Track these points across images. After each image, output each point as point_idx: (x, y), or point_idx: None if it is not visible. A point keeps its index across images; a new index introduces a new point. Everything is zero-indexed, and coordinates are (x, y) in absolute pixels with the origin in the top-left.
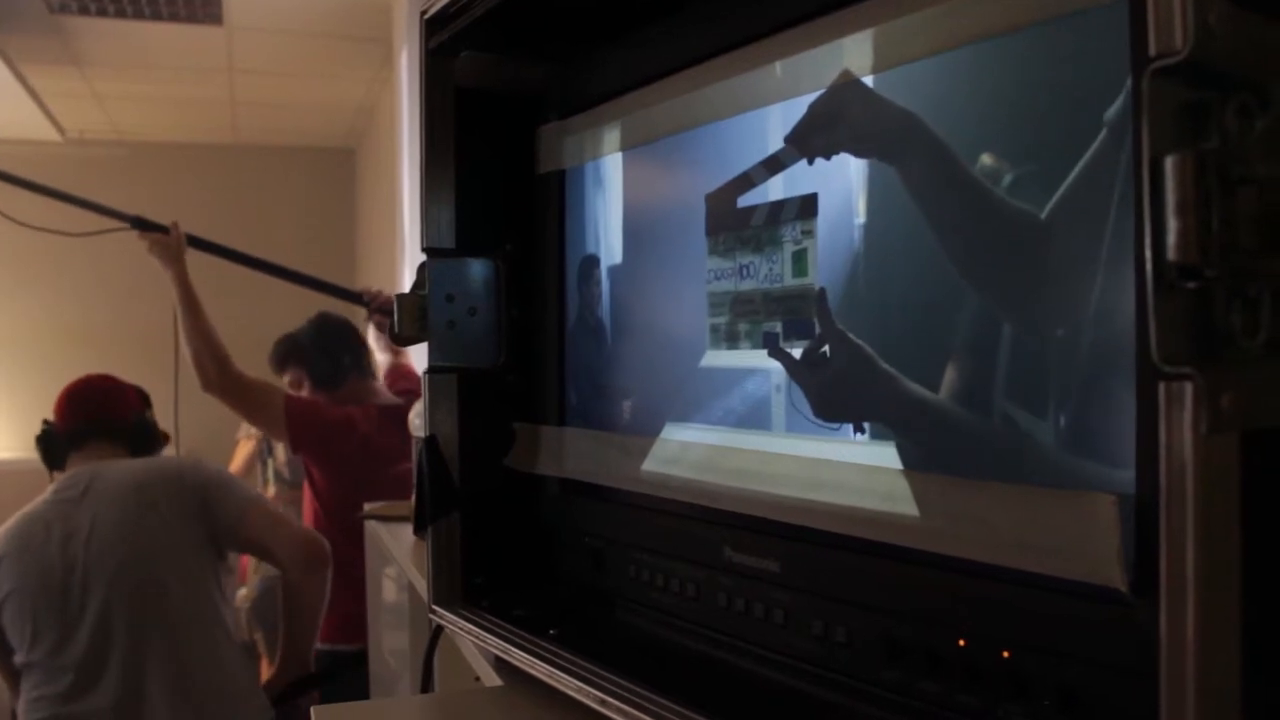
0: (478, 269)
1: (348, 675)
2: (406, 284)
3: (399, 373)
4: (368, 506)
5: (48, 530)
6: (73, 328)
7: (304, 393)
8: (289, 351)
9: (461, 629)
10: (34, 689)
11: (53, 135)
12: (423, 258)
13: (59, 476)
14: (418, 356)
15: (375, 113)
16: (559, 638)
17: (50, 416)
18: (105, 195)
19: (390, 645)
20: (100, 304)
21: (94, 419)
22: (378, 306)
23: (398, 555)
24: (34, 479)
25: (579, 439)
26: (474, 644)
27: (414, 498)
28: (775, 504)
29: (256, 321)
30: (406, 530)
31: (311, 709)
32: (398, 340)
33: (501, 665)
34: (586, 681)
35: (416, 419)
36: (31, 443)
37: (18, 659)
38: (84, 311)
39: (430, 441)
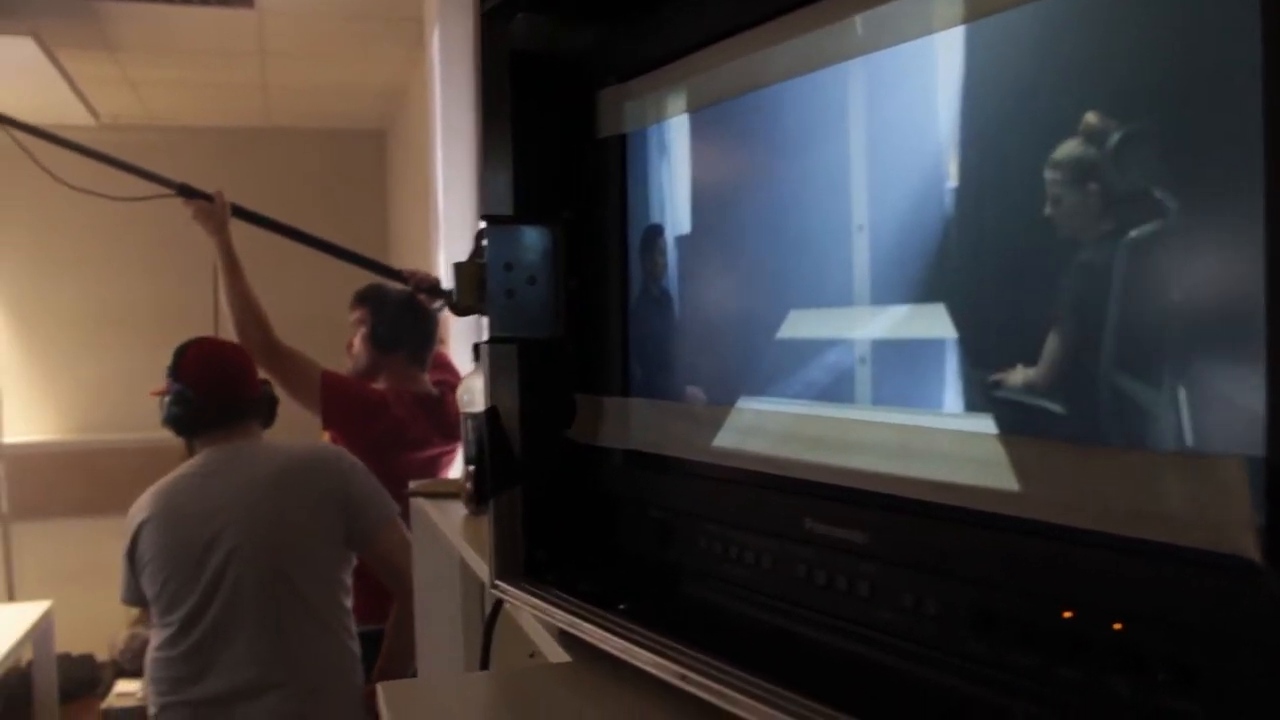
0: (536, 237)
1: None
2: (442, 265)
3: (436, 361)
4: (413, 484)
5: (190, 504)
6: (113, 308)
7: (358, 338)
8: (371, 296)
9: (526, 604)
10: (160, 649)
11: (87, 120)
12: (462, 236)
13: (198, 447)
14: (454, 347)
15: (406, 94)
16: (629, 612)
17: (157, 387)
18: (132, 182)
19: (436, 622)
20: (141, 285)
21: (237, 396)
22: (418, 285)
23: (448, 532)
24: (77, 459)
25: (645, 410)
26: (538, 619)
27: (473, 471)
28: (862, 474)
29: (290, 301)
30: (453, 507)
31: (379, 685)
32: (457, 310)
33: (568, 640)
34: (664, 656)
35: (465, 394)
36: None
37: (153, 618)
38: (125, 293)
39: (491, 413)
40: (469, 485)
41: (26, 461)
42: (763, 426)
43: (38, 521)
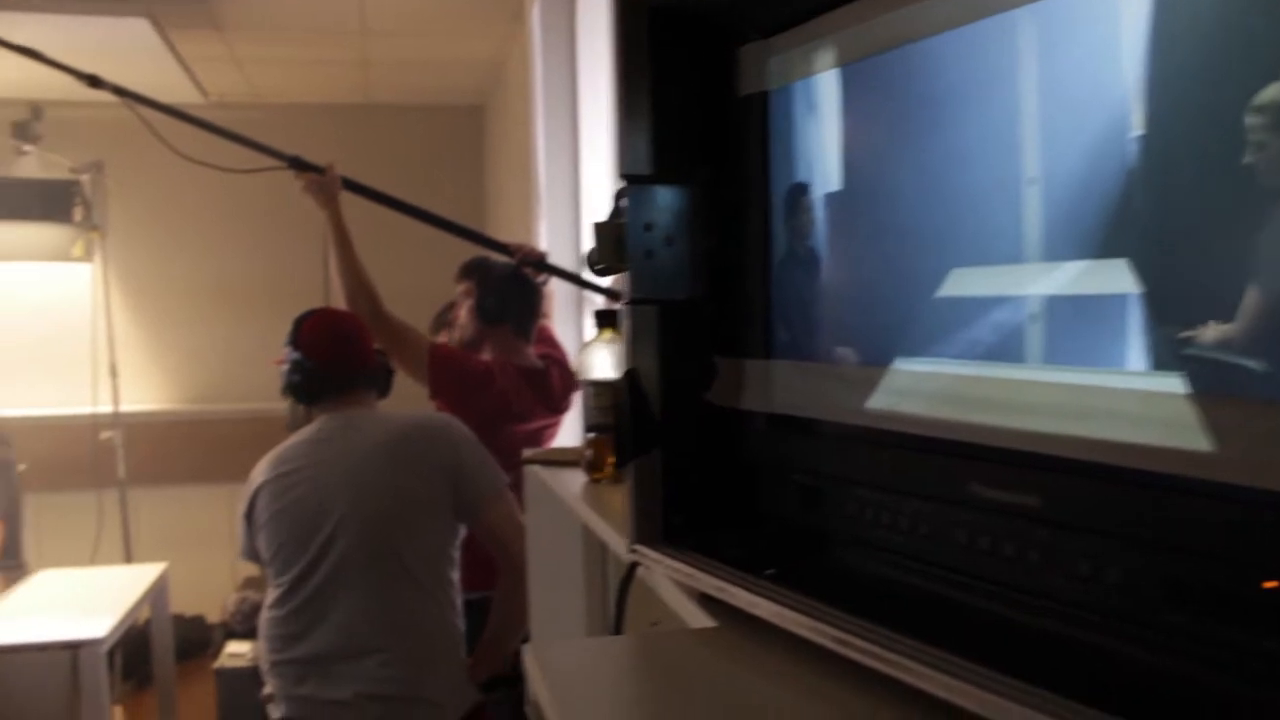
0: (675, 197)
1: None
2: (544, 238)
3: (540, 334)
4: (527, 452)
5: (303, 470)
6: (226, 282)
7: (464, 310)
8: (477, 268)
9: (668, 568)
10: (271, 608)
11: (197, 98)
12: (564, 209)
13: (315, 414)
14: (557, 321)
15: (504, 69)
16: (778, 577)
17: (282, 356)
18: (244, 156)
19: (554, 588)
20: (253, 259)
21: (355, 366)
22: (523, 258)
23: (568, 499)
24: (189, 429)
25: (791, 373)
26: (680, 583)
27: (606, 437)
28: (1035, 435)
29: (396, 274)
30: (571, 475)
31: (525, 645)
32: (596, 270)
33: (712, 605)
34: (820, 620)
35: (586, 356)
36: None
37: (268, 577)
38: (237, 267)
39: (631, 375)
40: (589, 453)
41: (142, 430)
42: (920, 388)
43: (153, 488)
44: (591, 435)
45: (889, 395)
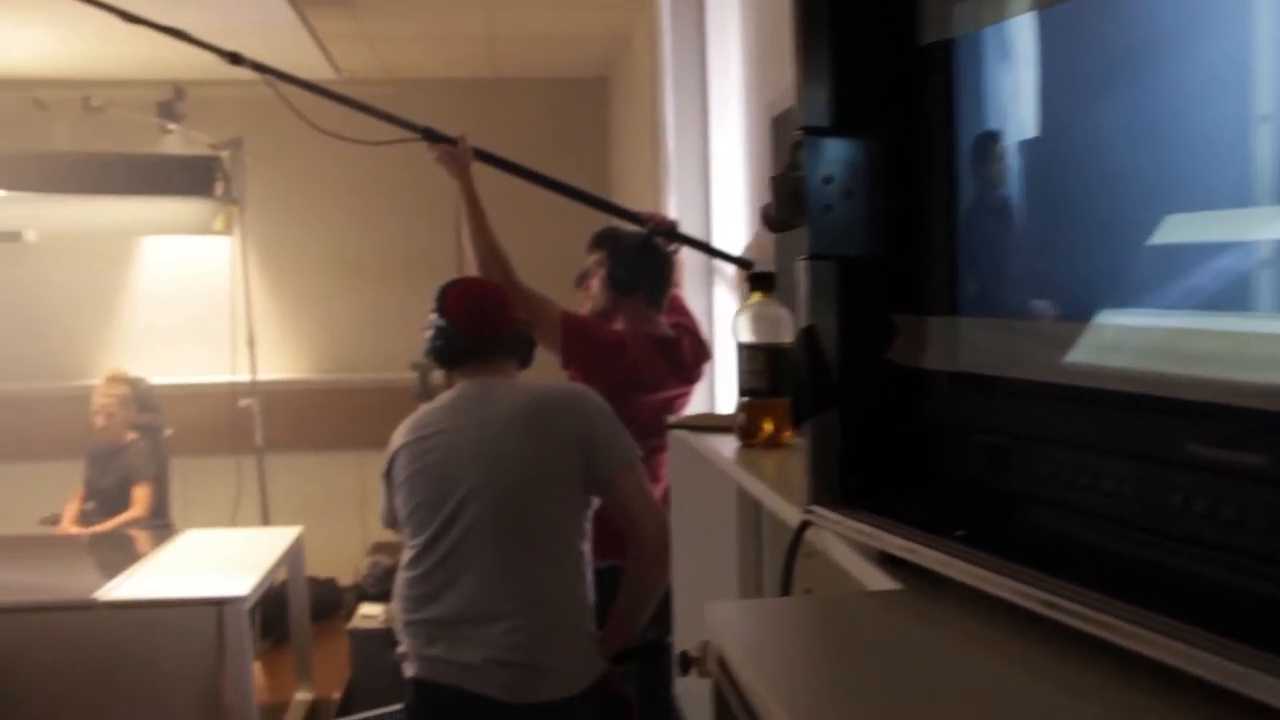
0: (855, 149)
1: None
2: (673, 209)
3: (671, 304)
4: (673, 418)
5: (439, 435)
6: (360, 254)
7: (596, 280)
8: (608, 238)
9: (848, 529)
10: (406, 569)
11: (330, 74)
12: (695, 179)
13: (455, 380)
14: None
15: (630, 41)
16: (969, 538)
17: (436, 322)
18: (378, 131)
19: (701, 554)
20: (386, 231)
21: (496, 334)
22: (655, 228)
23: (718, 461)
24: (322, 397)
25: (978, 329)
26: (861, 545)
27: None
28: (1267, 390)
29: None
30: (719, 442)
31: (708, 605)
32: (773, 226)
33: (893, 567)
34: (1025, 582)
35: (737, 318)
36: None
37: (404, 539)
38: (371, 239)
39: (809, 332)
40: (742, 418)
41: (278, 398)
42: (1130, 342)
43: (288, 454)
44: (745, 400)
45: (1092, 350)
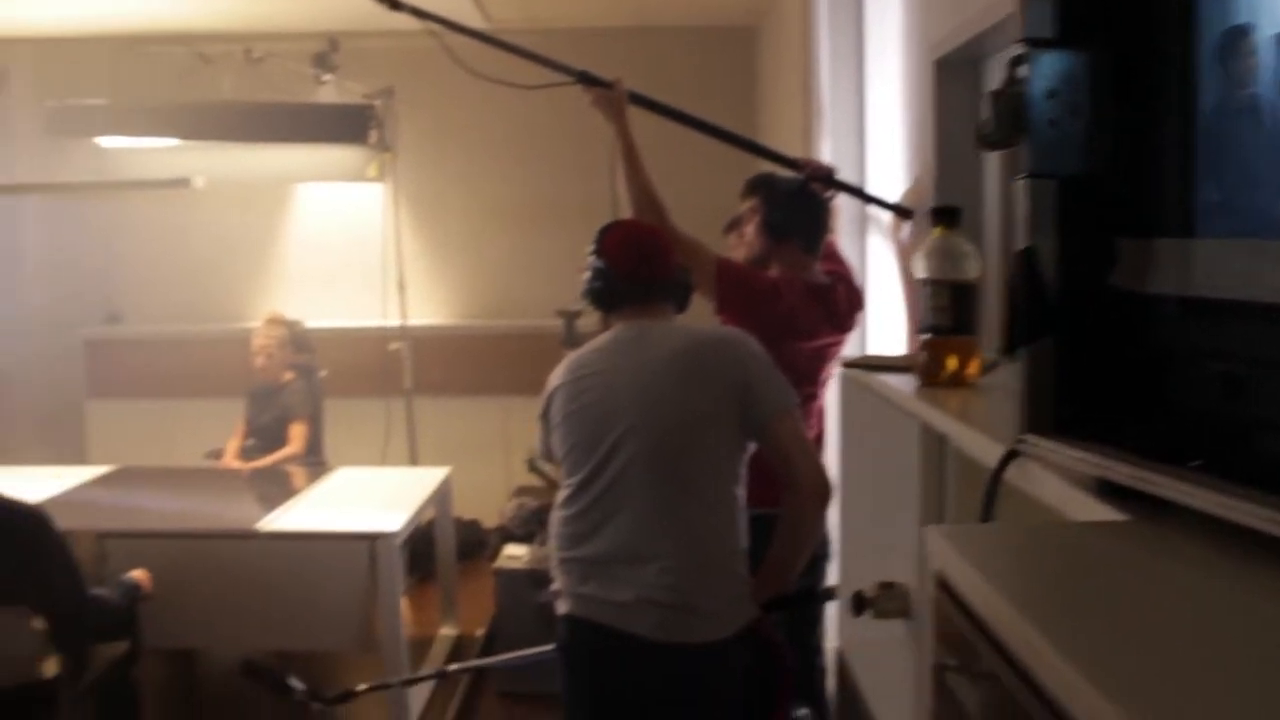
0: (1081, 61)
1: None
2: (827, 155)
3: (826, 251)
4: (848, 359)
5: (596, 376)
6: (508, 202)
7: (751, 226)
8: (763, 184)
9: (1068, 458)
10: (562, 507)
11: (482, 24)
12: (847, 127)
13: (612, 322)
14: (842, 237)
15: None
16: (1207, 467)
17: (596, 263)
18: (529, 76)
19: (872, 492)
20: (537, 179)
21: (655, 277)
22: (812, 173)
23: (903, 400)
24: (468, 342)
25: (1218, 251)
26: (1082, 474)
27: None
28: None
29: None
30: (893, 381)
31: (930, 528)
32: (989, 144)
33: (1112, 498)
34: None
35: (919, 255)
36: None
37: (561, 478)
38: (521, 187)
39: (1027, 254)
40: (924, 355)
41: (428, 343)
42: None
43: (435, 397)
44: (927, 337)
45: None
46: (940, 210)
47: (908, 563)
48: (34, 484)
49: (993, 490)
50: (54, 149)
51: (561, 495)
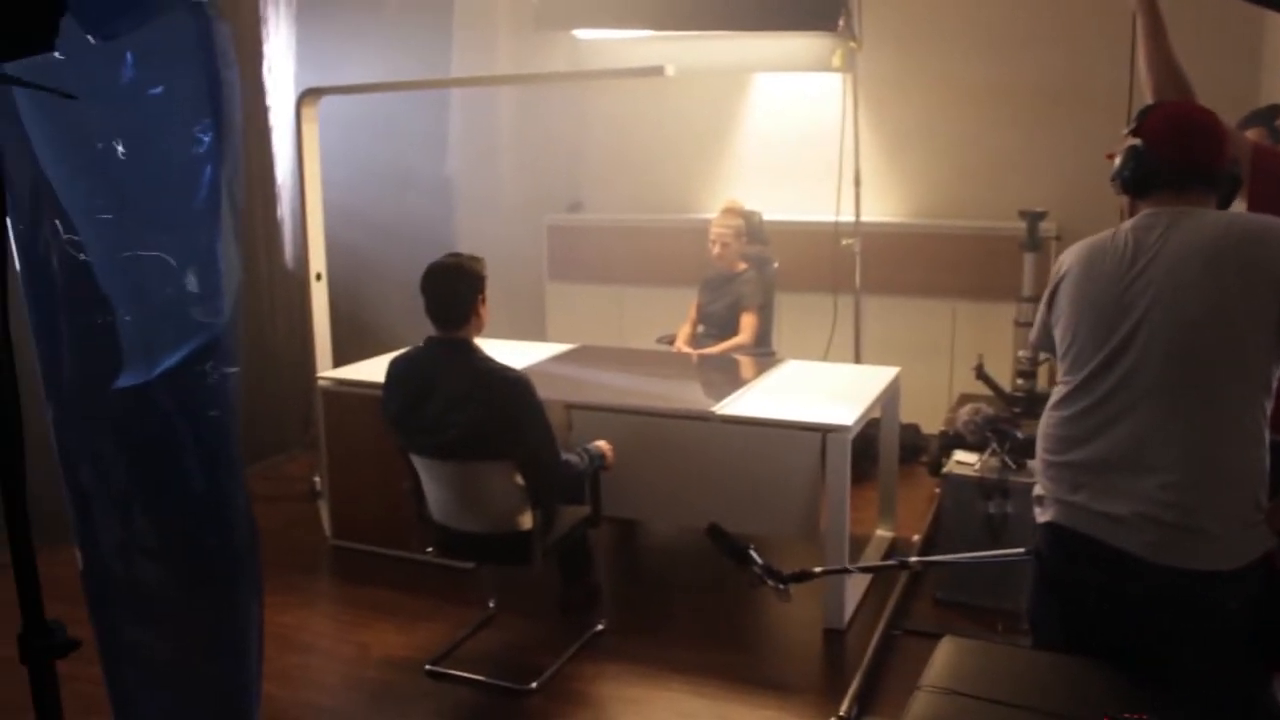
0: None
1: None
2: None
3: None
4: None
5: (1109, 263)
6: (978, 91)
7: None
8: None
9: None
10: (1055, 408)
11: None
12: None
13: (1141, 207)
14: None
15: None
16: None
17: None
18: None
19: None
20: (1017, 65)
21: (1199, 162)
22: None
23: None
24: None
25: None
26: None
27: None
28: None
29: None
30: None
31: None
32: None
33: None
34: None
35: None
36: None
37: (1057, 374)
38: (997, 74)
39: None
40: None
41: (879, 240)
42: None
43: (883, 296)
44: None
45: None
46: None
47: None
48: (504, 356)
49: None
50: (532, 42)
51: (1057, 394)
